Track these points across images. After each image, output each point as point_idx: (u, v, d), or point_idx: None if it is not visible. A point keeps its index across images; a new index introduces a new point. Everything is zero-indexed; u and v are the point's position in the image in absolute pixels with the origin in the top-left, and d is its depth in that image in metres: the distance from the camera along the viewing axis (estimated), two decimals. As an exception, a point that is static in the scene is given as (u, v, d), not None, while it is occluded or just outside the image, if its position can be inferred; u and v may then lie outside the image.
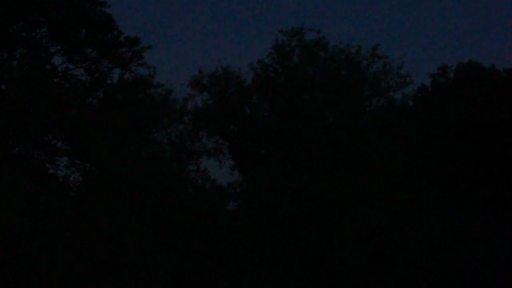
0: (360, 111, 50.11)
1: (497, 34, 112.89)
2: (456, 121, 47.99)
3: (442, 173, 46.90)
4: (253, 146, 50.15)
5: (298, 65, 50.66)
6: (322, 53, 50.90)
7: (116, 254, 34.22)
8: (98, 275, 33.43)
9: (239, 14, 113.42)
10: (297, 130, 48.34)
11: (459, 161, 47.23)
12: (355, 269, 42.18)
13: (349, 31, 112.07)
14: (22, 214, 31.31)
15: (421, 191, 44.80)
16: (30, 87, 33.71)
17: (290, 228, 44.08)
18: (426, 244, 42.47)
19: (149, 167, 39.07)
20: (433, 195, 44.46)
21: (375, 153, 46.66)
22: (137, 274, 34.87)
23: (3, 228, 30.59)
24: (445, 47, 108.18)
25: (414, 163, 47.30)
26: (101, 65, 38.54)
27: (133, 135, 38.71)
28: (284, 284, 42.20)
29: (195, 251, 41.61)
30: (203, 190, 49.29)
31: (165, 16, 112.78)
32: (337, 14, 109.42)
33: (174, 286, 38.33)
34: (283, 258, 43.20)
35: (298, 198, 44.78)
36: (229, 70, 51.85)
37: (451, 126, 47.98)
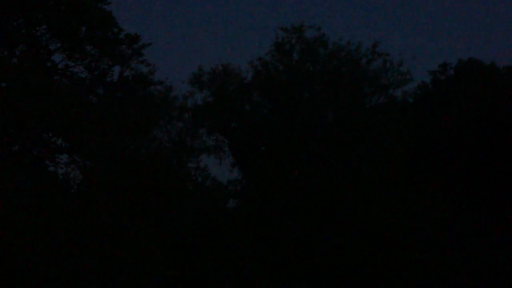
0: (360, 108, 50.08)
1: (498, 31, 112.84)
2: (456, 118, 47.97)
3: (442, 170, 46.90)
4: (253, 144, 50.12)
5: (298, 62, 50.61)
6: (322, 50, 50.83)
7: (116, 251, 34.24)
8: (98, 273, 33.45)
9: (240, 11, 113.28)
10: (297, 127, 48.33)
11: (459, 158, 47.22)
12: (357, 267, 42.21)
13: (349, 28, 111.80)
14: (22, 212, 31.32)
15: (421, 188, 44.80)
16: (30, 84, 33.70)
17: (290, 226, 44.09)
18: (427, 241, 42.48)
19: (149, 165, 39.08)
20: (433, 192, 44.47)
21: (375, 150, 46.65)
22: (137, 271, 34.88)
23: (3, 225, 30.60)
24: (445, 44, 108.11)
25: (414, 160, 47.30)
26: (101, 62, 38.48)
27: (133, 132, 38.69)
28: (285, 281, 42.22)
29: (195, 248, 41.64)
30: (203, 187, 49.32)
31: (165, 13, 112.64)
32: (337, 11, 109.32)
33: (175, 284, 38.35)
34: (284, 255, 43.22)
35: (298, 195, 44.79)
36: (229, 68, 51.78)
37: (451, 123, 47.96)
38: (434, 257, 41.91)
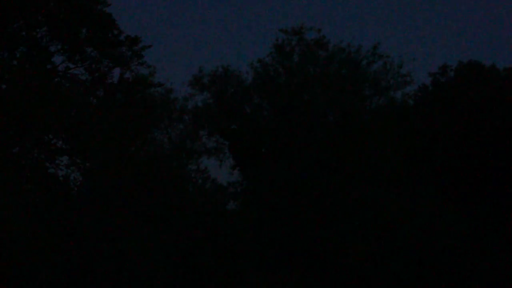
0: (361, 110, 50.12)
1: (498, 33, 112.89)
2: (457, 120, 48.00)
3: (442, 172, 46.91)
4: (253, 145, 50.16)
5: (298, 65, 50.68)
6: (323, 52, 50.92)
7: (116, 253, 34.26)
8: (98, 275, 33.47)
9: (240, 13, 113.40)
10: (297, 129, 48.36)
11: (459, 160, 47.23)
12: (357, 268, 42.20)
13: (350, 30, 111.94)
14: (22, 213, 31.33)
15: (422, 190, 44.80)
16: (31, 86, 33.73)
17: (290, 227, 44.09)
18: (426, 243, 42.47)
19: (150, 167, 39.09)
20: (433, 193, 44.47)
21: (375, 152, 46.66)
22: (138, 273, 34.91)
23: (3, 228, 30.61)
24: (446, 46, 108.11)
25: (414, 162, 47.30)
26: (101, 64, 38.56)
27: (133, 134, 38.71)
28: (285, 282, 42.22)
29: (195, 251, 41.65)
30: (203, 189, 49.34)
31: (166, 15, 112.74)
32: (337, 13, 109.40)
33: (175, 285, 38.37)
34: (284, 257, 43.22)
35: (298, 197, 44.80)
36: (229, 69, 51.87)
37: (451, 126, 47.98)
38: (435, 258, 41.90)
